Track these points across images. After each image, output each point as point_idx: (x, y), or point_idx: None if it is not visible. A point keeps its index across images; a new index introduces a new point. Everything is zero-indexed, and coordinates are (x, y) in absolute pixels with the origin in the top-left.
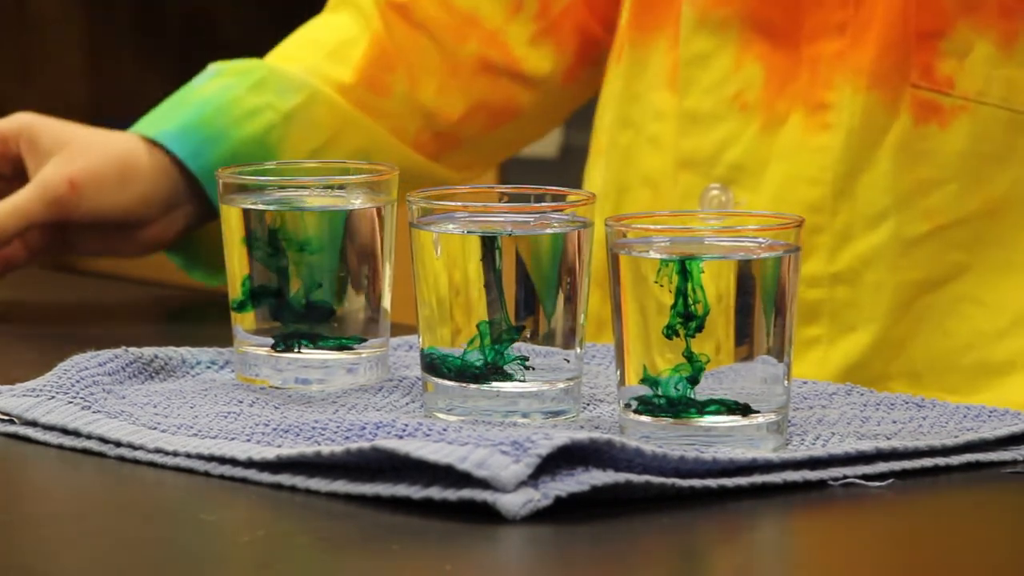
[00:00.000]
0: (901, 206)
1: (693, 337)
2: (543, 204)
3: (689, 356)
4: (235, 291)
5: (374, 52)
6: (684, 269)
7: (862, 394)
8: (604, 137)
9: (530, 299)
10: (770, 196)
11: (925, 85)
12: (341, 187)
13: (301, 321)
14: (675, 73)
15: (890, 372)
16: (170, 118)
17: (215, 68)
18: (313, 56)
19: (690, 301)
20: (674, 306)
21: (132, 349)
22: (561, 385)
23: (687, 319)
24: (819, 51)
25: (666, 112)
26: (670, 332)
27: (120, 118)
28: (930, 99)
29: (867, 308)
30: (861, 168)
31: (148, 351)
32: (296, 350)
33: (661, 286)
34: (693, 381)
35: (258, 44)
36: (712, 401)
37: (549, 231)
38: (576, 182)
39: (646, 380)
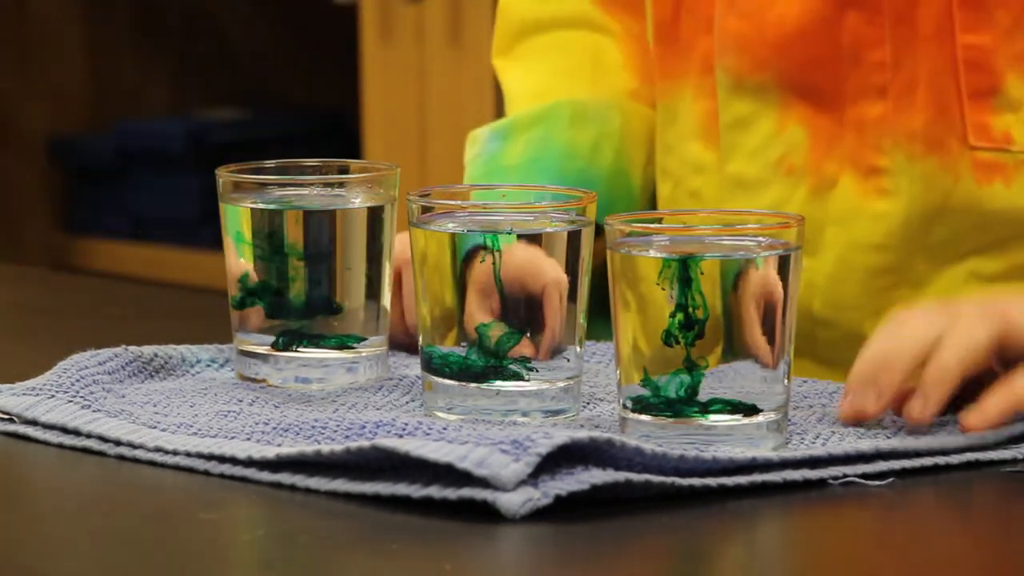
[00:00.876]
0: (974, 251)
1: (693, 346)
2: (544, 203)
3: (689, 366)
4: (235, 289)
5: (634, 48)
6: (685, 274)
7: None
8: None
9: (531, 299)
10: (832, 261)
11: (984, 145)
12: (341, 186)
13: (301, 320)
14: (706, 124)
15: None
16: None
17: (489, 132)
18: (578, 84)
19: (690, 308)
20: (673, 315)
21: (132, 348)
22: (561, 384)
23: (687, 328)
24: (862, 114)
25: (704, 167)
26: (669, 339)
27: (120, 118)
28: (991, 159)
29: None
30: (926, 231)
31: (148, 350)
32: (296, 349)
33: (663, 289)
34: (693, 390)
35: (258, 44)
36: (715, 400)
37: (550, 230)
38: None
39: (647, 384)
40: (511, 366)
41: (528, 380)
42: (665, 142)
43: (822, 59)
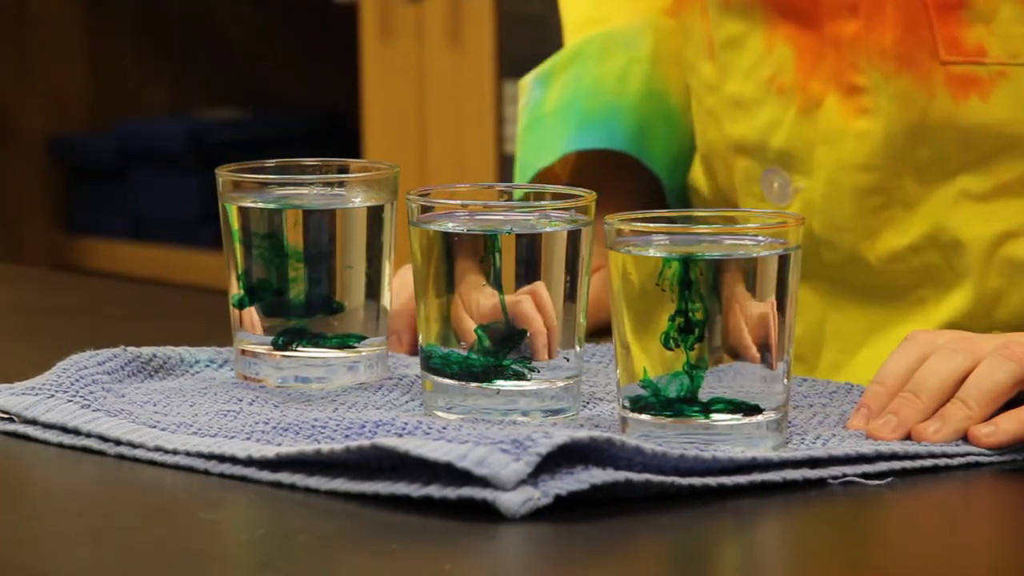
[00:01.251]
0: (963, 168)
1: (692, 349)
2: (544, 202)
3: (689, 369)
4: (235, 289)
5: None
6: (685, 276)
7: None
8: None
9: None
10: (824, 181)
11: (956, 59)
12: (340, 185)
13: (301, 319)
14: (711, 45)
15: (994, 324)
16: (557, 135)
17: (533, 79)
18: (619, 5)
19: (690, 313)
20: (672, 318)
21: (131, 348)
22: (561, 383)
23: (686, 332)
24: (839, 32)
25: (714, 86)
26: (668, 342)
27: (120, 118)
28: (964, 72)
29: (956, 267)
30: (909, 149)
31: (147, 350)
32: (296, 348)
33: (664, 290)
34: (693, 393)
35: (258, 44)
36: (717, 400)
37: (550, 229)
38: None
39: (646, 385)
40: (513, 366)
41: (530, 380)
42: (687, 60)
43: None
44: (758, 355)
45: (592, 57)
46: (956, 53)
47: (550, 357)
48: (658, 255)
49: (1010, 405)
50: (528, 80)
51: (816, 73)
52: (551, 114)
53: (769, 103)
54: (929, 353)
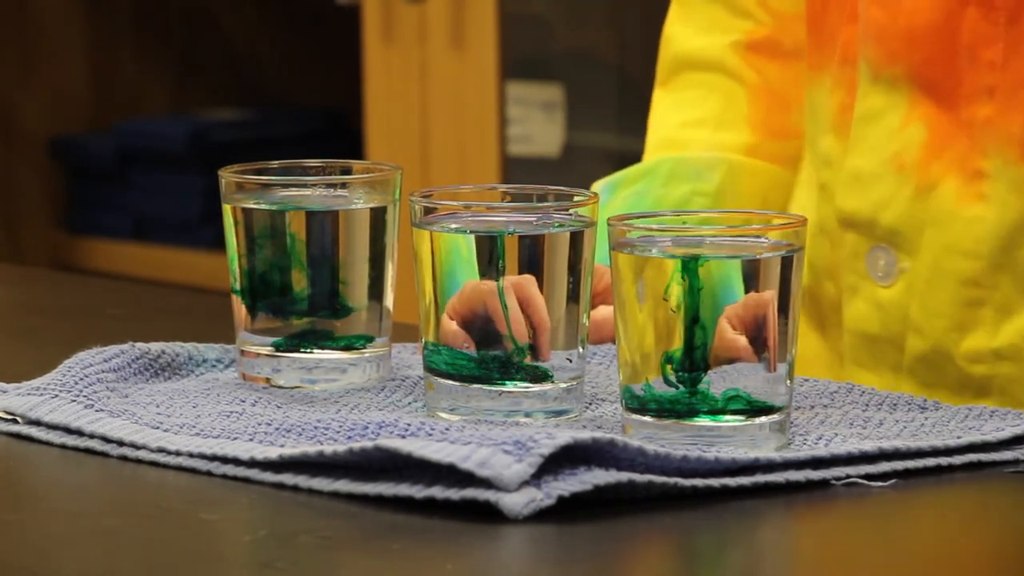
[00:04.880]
0: None
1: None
2: (546, 204)
3: (691, 396)
4: (237, 290)
5: (762, 102)
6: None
7: (863, 393)
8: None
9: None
10: (928, 265)
11: None
12: (343, 186)
13: (303, 321)
14: (839, 116)
15: None
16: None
17: (604, 184)
18: (701, 134)
19: (696, 349)
20: (669, 359)
21: (139, 344)
22: (563, 385)
23: (689, 370)
24: (974, 115)
25: (832, 160)
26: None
27: (121, 118)
28: None
29: None
30: (1017, 243)
31: (155, 346)
32: (298, 350)
33: (672, 310)
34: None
35: (260, 45)
36: (732, 396)
37: (553, 231)
38: (578, 181)
39: (648, 393)
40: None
41: (553, 381)
42: (808, 137)
43: (944, 55)
44: (761, 356)
45: (660, 178)
46: None
47: (545, 356)
48: (660, 256)
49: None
50: (600, 183)
51: (943, 155)
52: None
53: (888, 179)
54: None
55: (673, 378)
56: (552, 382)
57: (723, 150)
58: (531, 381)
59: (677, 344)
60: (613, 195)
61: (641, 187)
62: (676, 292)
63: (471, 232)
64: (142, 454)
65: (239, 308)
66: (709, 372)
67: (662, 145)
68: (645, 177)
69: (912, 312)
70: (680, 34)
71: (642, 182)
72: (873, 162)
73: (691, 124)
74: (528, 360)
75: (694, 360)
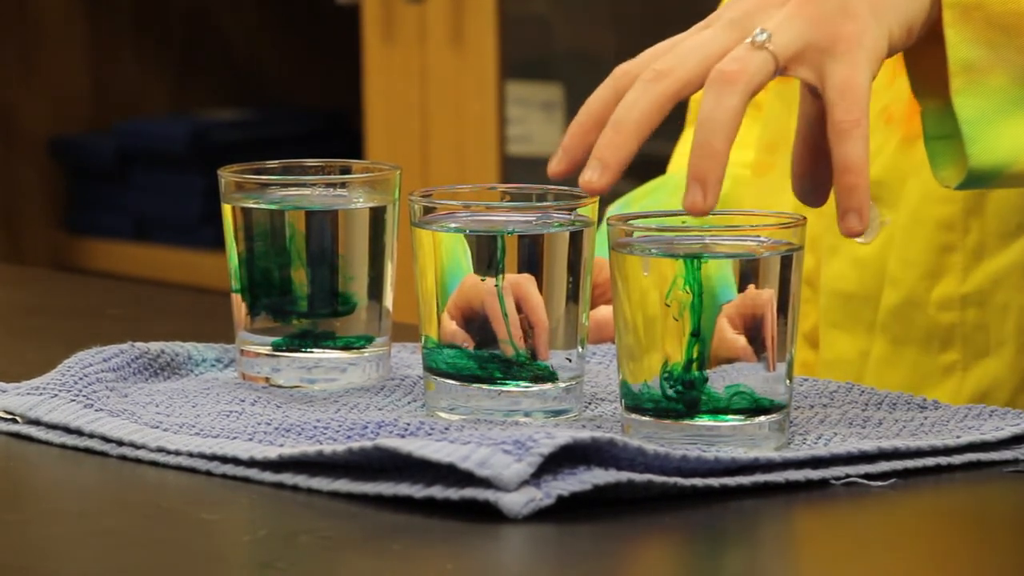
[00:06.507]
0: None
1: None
2: (546, 204)
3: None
4: (236, 289)
5: (754, 121)
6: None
7: (863, 392)
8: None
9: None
10: (908, 213)
11: None
12: (343, 186)
13: (303, 320)
14: None
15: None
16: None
17: (617, 205)
18: None
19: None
20: (668, 373)
21: (139, 344)
22: (563, 384)
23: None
24: None
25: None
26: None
27: (121, 118)
28: None
29: (996, 331)
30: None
31: (155, 346)
32: (298, 350)
33: (668, 305)
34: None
35: (260, 45)
36: (734, 391)
37: (552, 231)
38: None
39: (648, 396)
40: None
41: (554, 381)
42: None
43: None
44: (760, 355)
45: (668, 189)
46: None
47: (544, 356)
48: (660, 255)
49: None
50: (613, 206)
51: None
52: None
53: (876, 133)
54: (629, 85)
55: (671, 392)
56: (553, 382)
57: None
58: (532, 381)
59: (677, 358)
60: (624, 210)
61: (651, 199)
62: (678, 299)
63: (470, 232)
64: (142, 454)
65: (239, 308)
66: (708, 381)
67: (679, 167)
68: (656, 191)
69: (890, 265)
70: None
71: (652, 195)
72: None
73: None
74: (529, 361)
75: (692, 377)
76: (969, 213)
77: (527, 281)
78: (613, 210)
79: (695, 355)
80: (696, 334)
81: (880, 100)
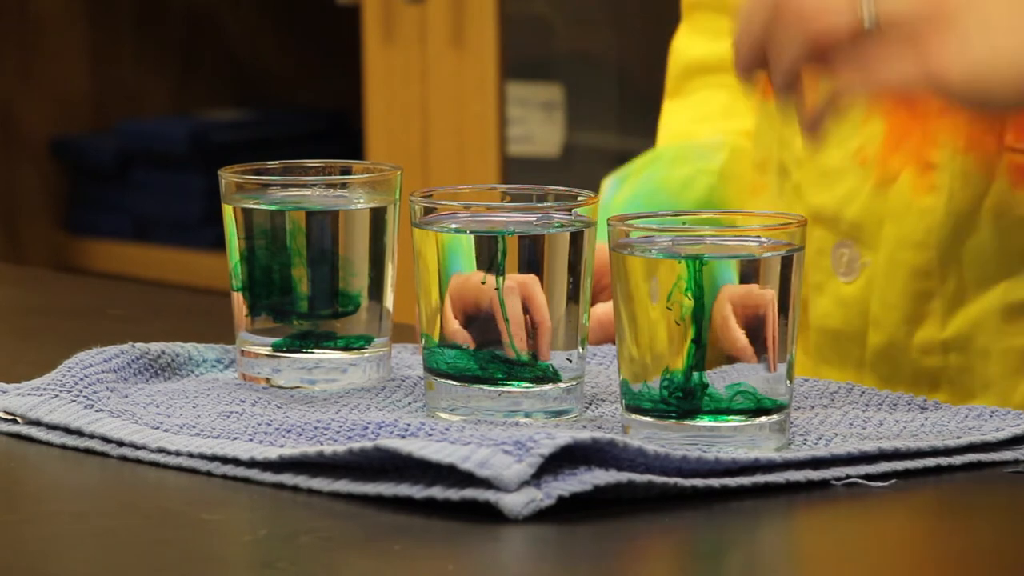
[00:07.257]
0: (1007, 272)
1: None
2: (546, 204)
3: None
4: (237, 290)
5: (762, 143)
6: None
7: (863, 393)
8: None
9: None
10: (886, 257)
11: (1020, 147)
12: (343, 187)
13: (303, 321)
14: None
15: None
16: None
17: (612, 179)
18: (709, 126)
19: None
20: (669, 381)
21: (139, 344)
22: (564, 385)
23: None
24: (928, 107)
25: (804, 161)
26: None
27: (121, 118)
28: None
29: (980, 374)
30: (965, 233)
31: (155, 347)
32: (298, 350)
33: (670, 309)
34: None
35: (261, 45)
36: (737, 390)
37: (553, 231)
38: (578, 181)
39: (649, 397)
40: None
41: (556, 381)
42: (783, 138)
43: None
44: (761, 356)
45: (665, 161)
46: (1022, 141)
47: (544, 355)
48: (660, 256)
49: None
50: (609, 179)
51: (900, 148)
52: (616, 207)
53: (852, 174)
54: None
55: (672, 400)
56: (554, 382)
57: (731, 135)
58: (534, 382)
59: (677, 364)
60: (621, 186)
61: (648, 172)
62: (680, 303)
63: (471, 232)
64: (142, 454)
65: (239, 308)
66: (708, 388)
67: (673, 138)
68: (652, 163)
69: (872, 307)
70: (688, 45)
71: (648, 168)
72: (838, 157)
73: (699, 119)
74: (531, 362)
75: (692, 384)
76: (945, 261)
77: (532, 281)
78: (609, 184)
79: (695, 362)
80: (697, 341)
81: (854, 140)
